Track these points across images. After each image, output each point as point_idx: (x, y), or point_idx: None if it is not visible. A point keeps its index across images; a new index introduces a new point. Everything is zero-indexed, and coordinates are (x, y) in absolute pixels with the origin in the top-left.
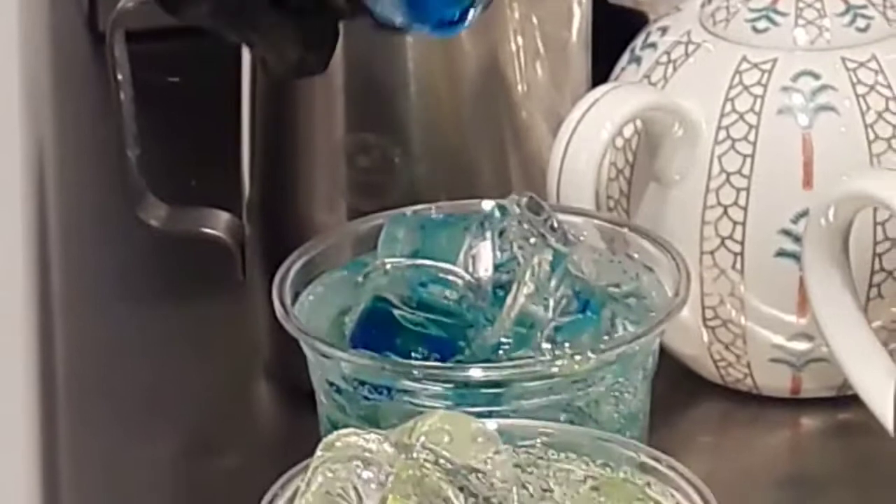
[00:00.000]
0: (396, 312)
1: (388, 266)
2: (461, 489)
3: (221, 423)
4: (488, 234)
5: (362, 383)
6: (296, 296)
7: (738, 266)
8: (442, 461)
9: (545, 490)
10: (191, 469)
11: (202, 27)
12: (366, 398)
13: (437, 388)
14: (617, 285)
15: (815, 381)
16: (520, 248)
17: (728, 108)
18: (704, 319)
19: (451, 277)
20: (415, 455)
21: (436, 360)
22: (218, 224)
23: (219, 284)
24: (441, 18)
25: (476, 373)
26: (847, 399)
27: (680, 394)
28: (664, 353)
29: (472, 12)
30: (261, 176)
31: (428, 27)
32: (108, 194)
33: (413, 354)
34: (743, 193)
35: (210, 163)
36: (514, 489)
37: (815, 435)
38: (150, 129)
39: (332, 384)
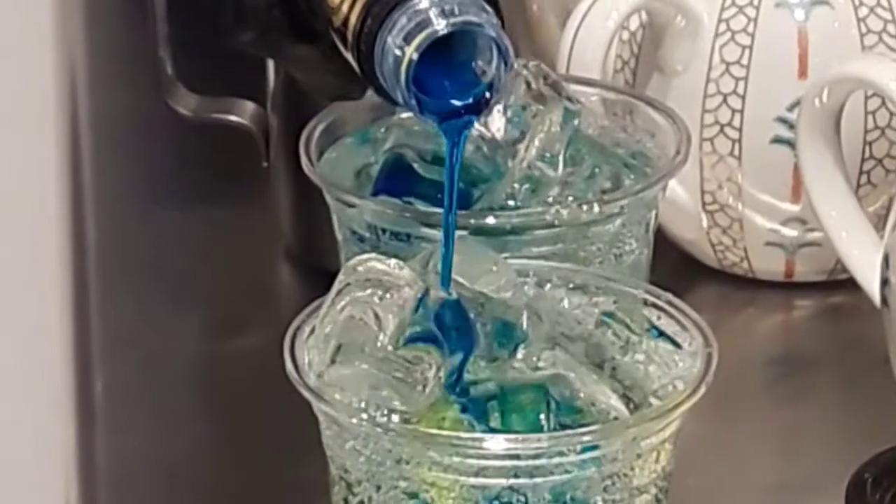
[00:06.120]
0: (415, 164)
1: (407, 120)
2: (477, 314)
3: (246, 303)
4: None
5: (383, 231)
6: (320, 154)
7: (736, 152)
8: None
9: (555, 322)
10: (217, 346)
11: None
12: (387, 245)
13: None
14: (623, 146)
15: (808, 265)
16: (530, 105)
17: (728, 1)
18: (704, 204)
19: None
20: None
21: None
22: (244, 113)
23: (244, 171)
24: (451, 109)
25: (489, 220)
26: (838, 283)
27: (679, 278)
28: (664, 240)
29: (488, 102)
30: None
31: (436, 119)
32: (140, 86)
33: (431, 203)
34: (741, 83)
35: (237, 56)
36: (525, 314)
37: (807, 317)
38: (181, 22)
39: (354, 233)
